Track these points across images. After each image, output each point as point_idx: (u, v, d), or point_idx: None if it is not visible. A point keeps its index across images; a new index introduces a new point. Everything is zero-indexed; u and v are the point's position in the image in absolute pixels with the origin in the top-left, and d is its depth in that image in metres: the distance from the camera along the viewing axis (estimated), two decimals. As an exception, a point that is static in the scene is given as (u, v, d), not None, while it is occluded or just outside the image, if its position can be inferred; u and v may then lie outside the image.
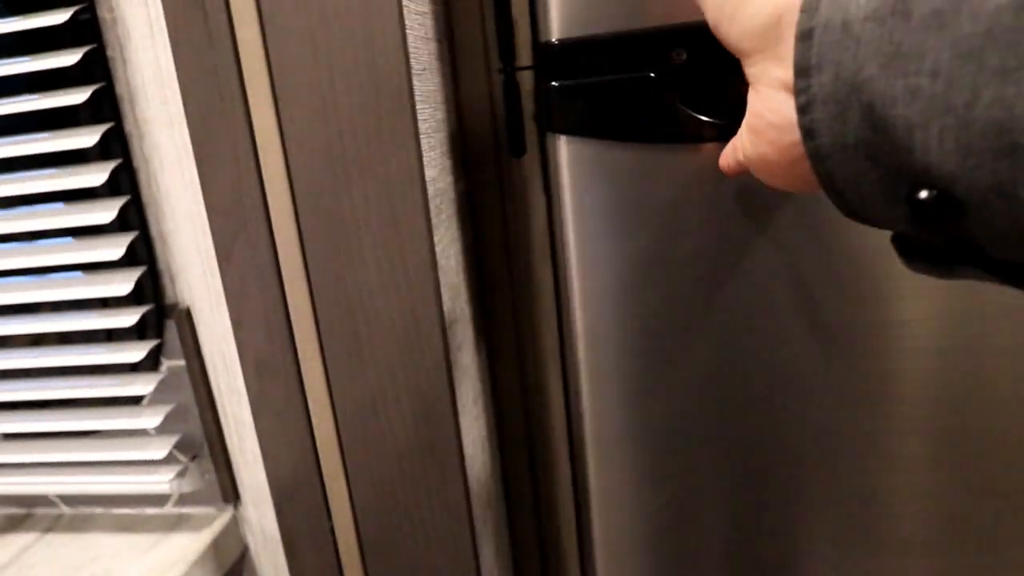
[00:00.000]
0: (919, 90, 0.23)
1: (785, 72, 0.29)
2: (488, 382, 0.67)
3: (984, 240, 0.25)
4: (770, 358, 0.53)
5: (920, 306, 0.51)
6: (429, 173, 0.50)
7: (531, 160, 0.61)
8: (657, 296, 0.53)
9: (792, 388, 0.54)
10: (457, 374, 0.53)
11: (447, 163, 0.55)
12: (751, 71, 0.32)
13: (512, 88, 0.55)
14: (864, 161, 0.26)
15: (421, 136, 0.49)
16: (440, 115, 0.54)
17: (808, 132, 0.28)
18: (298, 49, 0.43)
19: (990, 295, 0.50)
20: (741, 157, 0.37)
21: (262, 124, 0.45)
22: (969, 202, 0.23)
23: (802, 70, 0.27)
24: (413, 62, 0.47)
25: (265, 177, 0.46)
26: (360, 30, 0.43)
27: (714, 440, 0.56)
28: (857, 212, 0.29)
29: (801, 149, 0.29)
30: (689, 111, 0.49)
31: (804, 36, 0.27)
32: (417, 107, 0.48)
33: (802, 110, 0.28)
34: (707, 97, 0.49)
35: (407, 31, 0.46)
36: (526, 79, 0.58)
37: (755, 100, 0.32)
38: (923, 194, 0.24)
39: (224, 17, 0.43)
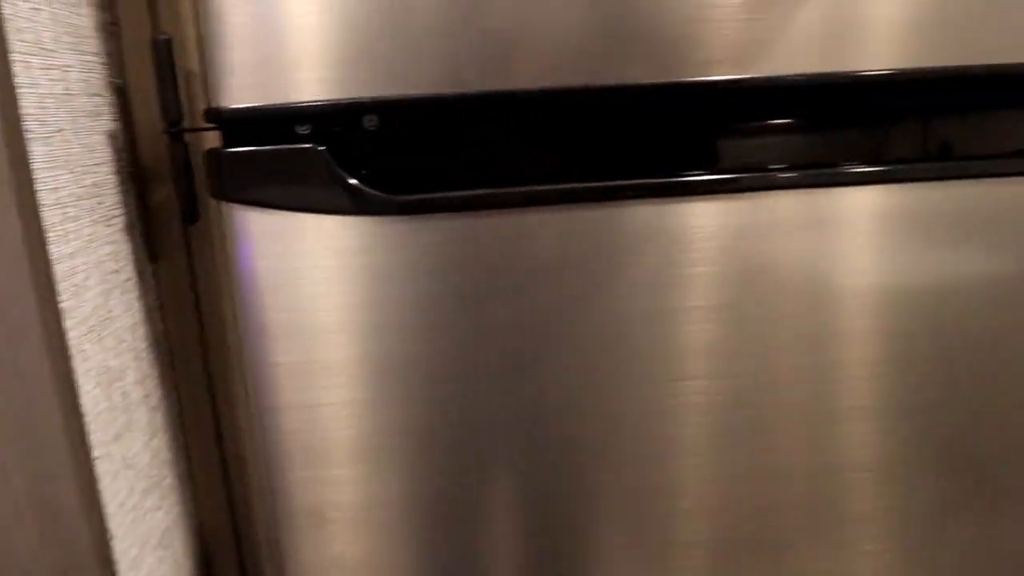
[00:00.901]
0: None
1: None
2: (182, 463, 0.61)
3: None
4: (474, 420, 0.53)
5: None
6: (66, 247, 0.44)
7: (216, 227, 0.57)
8: (337, 366, 0.51)
9: (506, 459, 0.54)
10: (109, 468, 0.47)
11: (104, 231, 0.50)
12: None
13: (179, 150, 0.51)
14: None
15: (51, 207, 0.43)
16: (92, 179, 0.49)
17: None
18: None
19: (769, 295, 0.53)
20: None
21: None
22: None
23: None
24: (37, 124, 0.42)
25: None
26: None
27: (409, 515, 0.55)
28: None
29: None
30: (358, 183, 0.48)
31: None
32: (46, 174, 0.43)
33: None
34: (383, 171, 0.49)
35: (28, 88, 0.41)
36: (211, 140, 0.54)
37: None
38: None
39: None
